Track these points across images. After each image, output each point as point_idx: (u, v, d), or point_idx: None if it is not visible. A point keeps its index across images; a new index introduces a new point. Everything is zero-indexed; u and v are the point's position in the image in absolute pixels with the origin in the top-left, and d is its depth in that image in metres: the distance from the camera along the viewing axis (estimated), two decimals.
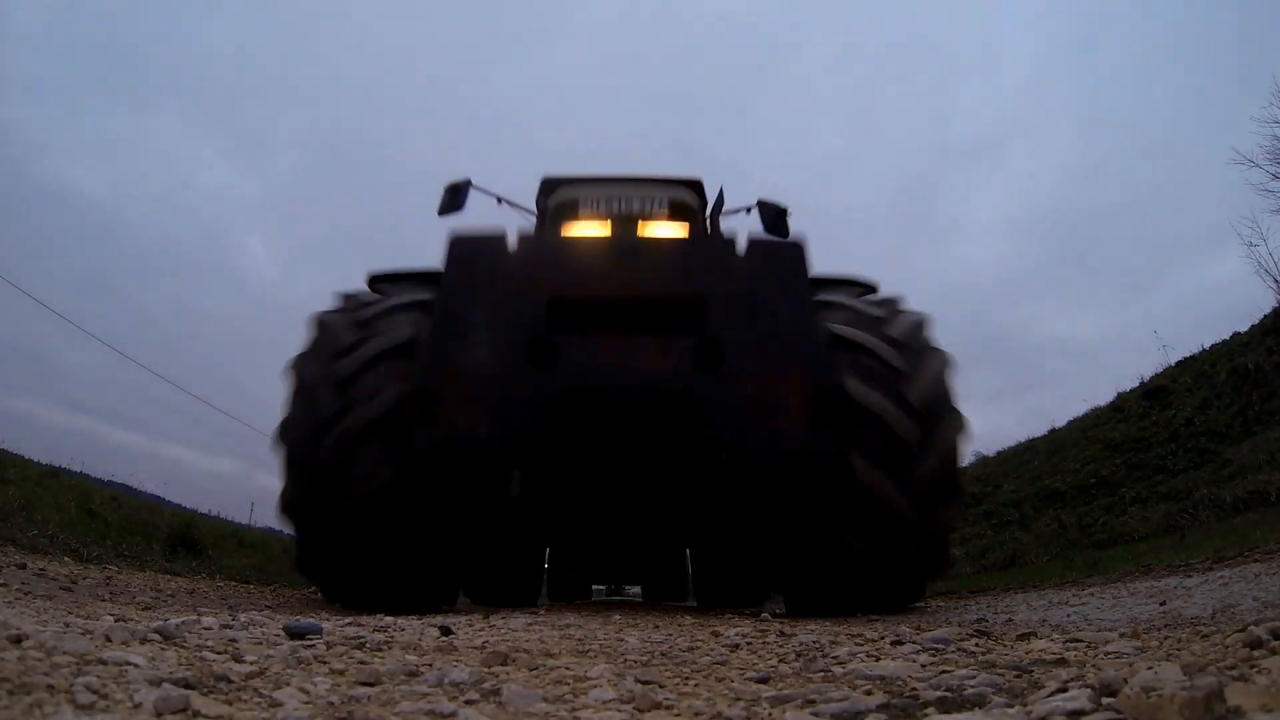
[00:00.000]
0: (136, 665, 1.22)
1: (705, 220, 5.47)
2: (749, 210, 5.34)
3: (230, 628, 1.92)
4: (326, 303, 4.37)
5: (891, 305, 4.36)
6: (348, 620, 2.60)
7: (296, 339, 4.16)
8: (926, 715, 1.06)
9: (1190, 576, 4.09)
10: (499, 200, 5.45)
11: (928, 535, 3.73)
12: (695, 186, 5.54)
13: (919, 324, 4.13)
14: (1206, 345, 11.49)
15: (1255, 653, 1.31)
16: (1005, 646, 1.85)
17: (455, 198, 5.04)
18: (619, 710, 1.15)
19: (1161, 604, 3.23)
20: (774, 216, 5.00)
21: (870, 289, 4.71)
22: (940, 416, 3.78)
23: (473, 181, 5.07)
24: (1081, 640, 1.82)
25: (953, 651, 1.75)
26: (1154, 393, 10.84)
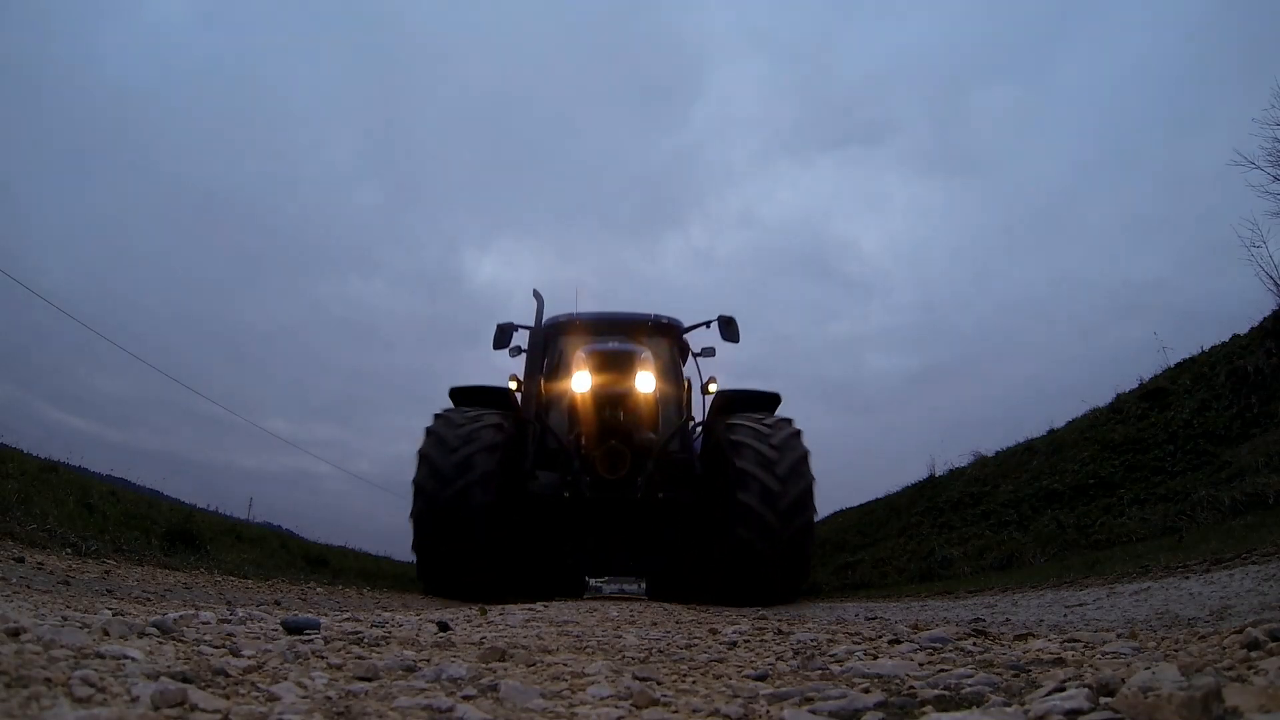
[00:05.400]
0: (134, 659, 1.22)
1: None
2: (709, 324, 8.75)
3: (228, 622, 1.92)
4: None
5: (778, 421, 7.18)
6: (345, 615, 2.60)
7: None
8: (924, 714, 1.06)
9: (1188, 578, 4.10)
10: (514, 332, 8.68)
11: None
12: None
13: (793, 433, 7.05)
14: (1206, 347, 11.51)
15: (1253, 654, 1.31)
16: (1003, 646, 1.85)
17: (503, 336, 8.66)
18: (616, 707, 1.15)
19: (1159, 605, 3.24)
20: (725, 325, 8.56)
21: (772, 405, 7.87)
22: (795, 477, 6.74)
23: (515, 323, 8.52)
24: (1079, 640, 1.82)
25: (950, 650, 1.75)
26: (1153, 394, 10.84)
